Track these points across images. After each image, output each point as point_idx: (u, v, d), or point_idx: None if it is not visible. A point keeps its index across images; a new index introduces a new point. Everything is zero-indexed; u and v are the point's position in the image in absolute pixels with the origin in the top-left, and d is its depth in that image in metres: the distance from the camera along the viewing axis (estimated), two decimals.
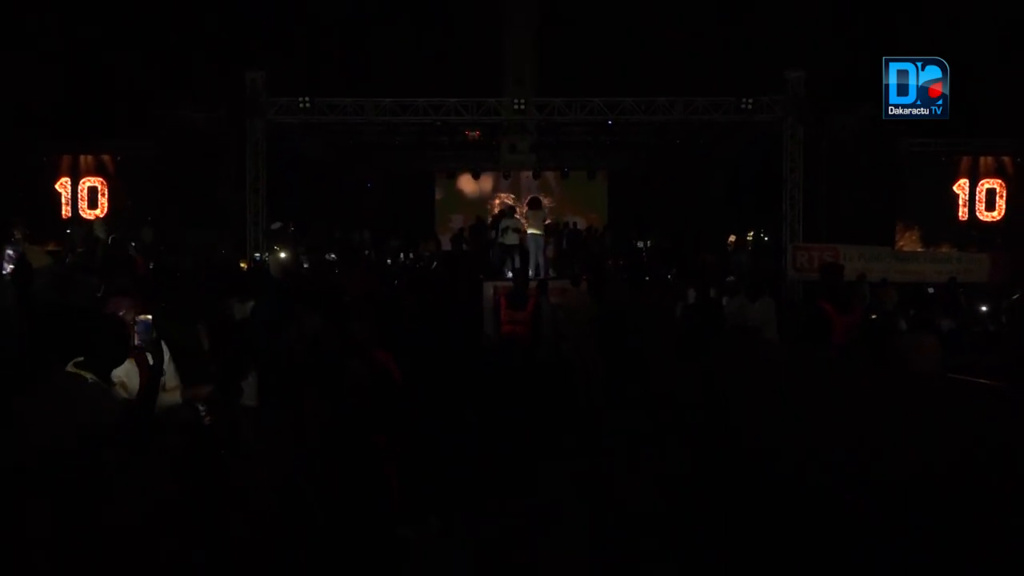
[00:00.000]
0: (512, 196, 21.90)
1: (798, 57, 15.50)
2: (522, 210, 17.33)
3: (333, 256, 16.34)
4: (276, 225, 15.51)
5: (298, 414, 5.05)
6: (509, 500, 6.26)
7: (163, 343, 3.81)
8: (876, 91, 13.32)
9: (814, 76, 15.37)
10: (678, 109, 15.43)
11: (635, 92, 15.59)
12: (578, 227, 18.67)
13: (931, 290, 14.73)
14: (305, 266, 14.82)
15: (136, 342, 3.66)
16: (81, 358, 3.44)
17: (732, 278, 12.13)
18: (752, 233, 18.90)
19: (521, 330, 9.00)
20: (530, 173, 21.30)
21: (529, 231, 14.57)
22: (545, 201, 21.74)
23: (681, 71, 16.72)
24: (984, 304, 14.07)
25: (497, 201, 21.73)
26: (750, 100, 15.24)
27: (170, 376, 3.87)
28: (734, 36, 17.54)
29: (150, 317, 3.70)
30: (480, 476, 6.63)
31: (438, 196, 22.67)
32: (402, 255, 16.58)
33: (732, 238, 18.19)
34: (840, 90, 15.97)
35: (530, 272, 13.72)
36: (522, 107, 15.40)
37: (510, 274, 13.39)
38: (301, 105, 15.26)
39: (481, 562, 5.02)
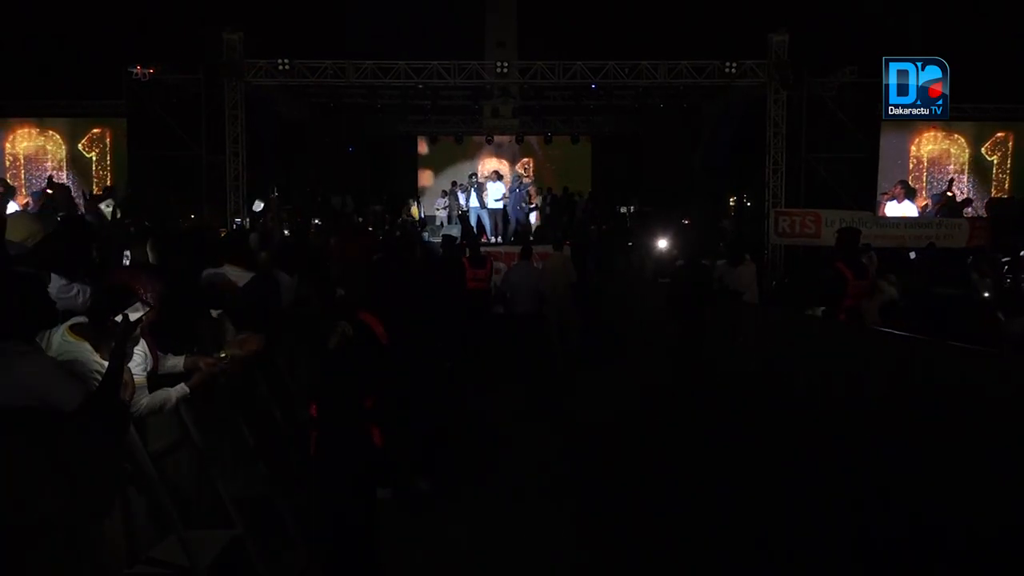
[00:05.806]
0: (501, 159, 21.84)
1: (782, 21, 15.37)
2: (507, 180, 17.49)
3: (318, 222, 16.16)
4: (259, 206, 15.31)
5: (283, 377, 5.04)
6: (493, 460, 6.31)
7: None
8: (859, 55, 13.26)
9: (798, 40, 15.26)
10: (662, 72, 15.31)
11: (618, 55, 15.45)
12: (555, 193, 18.65)
13: (912, 255, 14.82)
14: (286, 233, 14.67)
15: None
16: (79, 319, 3.34)
17: (723, 244, 12.27)
18: (734, 198, 18.92)
19: (483, 286, 10.54)
20: (513, 138, 21.14)
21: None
22: (528, 165, 21.79)
23: (665, 34, 16.57)
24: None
25: (488, 162, 21.62)
26: (734, 64, 15.13)
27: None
28: None
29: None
30: (465, 436, 6.68)
31: (420, 160, 22.48)
32: (370, 227, 16.36)
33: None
34: (824, 54, 15.88)
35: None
36: (505, 70, 15.23)
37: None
38: (280, 67, 14.99)
39: (469, 524, 5.05)
